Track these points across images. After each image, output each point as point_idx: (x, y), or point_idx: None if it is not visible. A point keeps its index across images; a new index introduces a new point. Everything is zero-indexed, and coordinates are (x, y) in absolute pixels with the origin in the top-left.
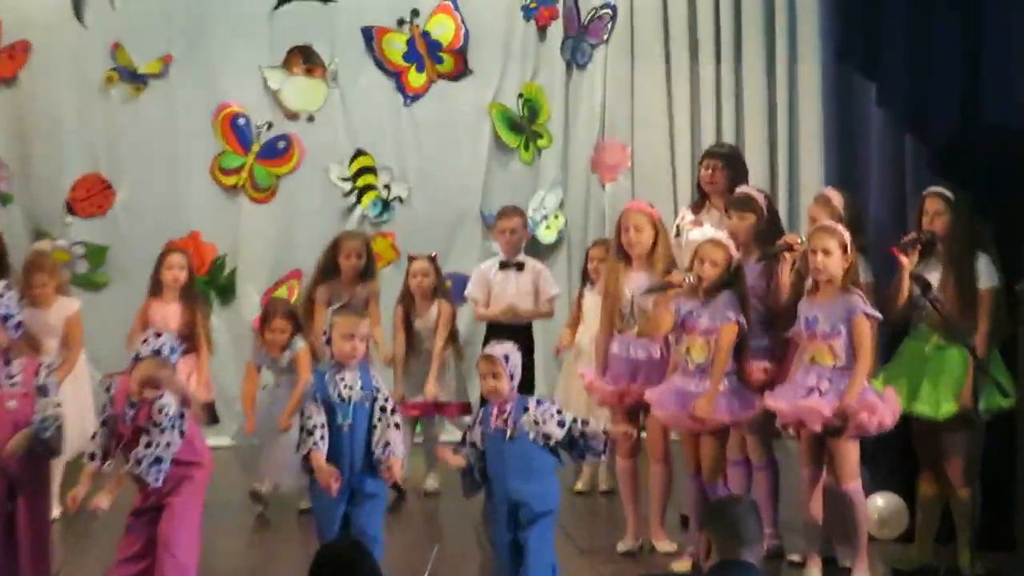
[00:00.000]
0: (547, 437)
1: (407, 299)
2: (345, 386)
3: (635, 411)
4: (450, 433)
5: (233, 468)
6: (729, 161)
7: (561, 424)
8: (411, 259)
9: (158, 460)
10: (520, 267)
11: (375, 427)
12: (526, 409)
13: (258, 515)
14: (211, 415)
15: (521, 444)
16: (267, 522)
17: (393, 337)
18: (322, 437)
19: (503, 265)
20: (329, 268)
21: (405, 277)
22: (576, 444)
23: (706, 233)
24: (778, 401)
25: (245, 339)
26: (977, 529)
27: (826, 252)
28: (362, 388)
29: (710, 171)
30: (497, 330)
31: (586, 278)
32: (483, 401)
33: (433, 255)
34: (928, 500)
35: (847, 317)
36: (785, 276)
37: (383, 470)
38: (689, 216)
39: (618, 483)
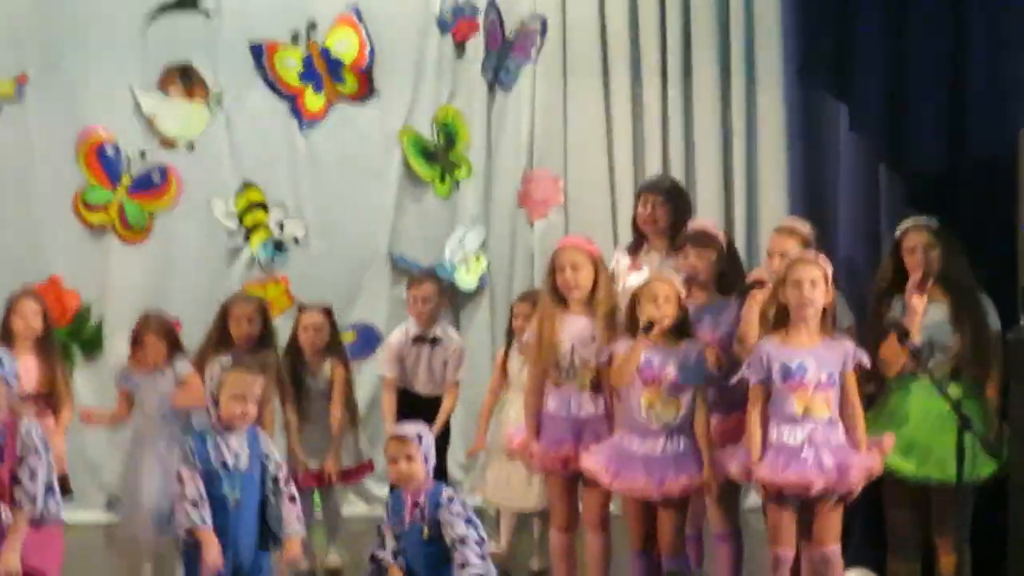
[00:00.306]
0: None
1: (295, 354)
2: (231, 453)
3: (576, 479)
4: (352, 504)
5: (100, 548)
6: (670, 196)
7: (452, 541)
8: (301, 309)
9: (50, 489)
10: (435, 342)
11: (268, 499)
12: (439, 504)
13: None
14: (63, 488)
15: (436, 546)
16: None
17: (281, 400)
18: (206, 511)
19: (417, 339)
20: (221, 337)
21: (294, 329)
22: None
23: (645, 278)
24: (798, 473)
25: (112, 404)
26: None
27: (813, 283)
28: (250, 456)
29: (649, 208)
30: (412, 399)
31: (511, 336)
32: (391, 487)
33: (327, 307)
34: None
35: (843, 365)
36: (755, 317)
37: (284, 553)
38: (625, 260)
39: (551, 561)
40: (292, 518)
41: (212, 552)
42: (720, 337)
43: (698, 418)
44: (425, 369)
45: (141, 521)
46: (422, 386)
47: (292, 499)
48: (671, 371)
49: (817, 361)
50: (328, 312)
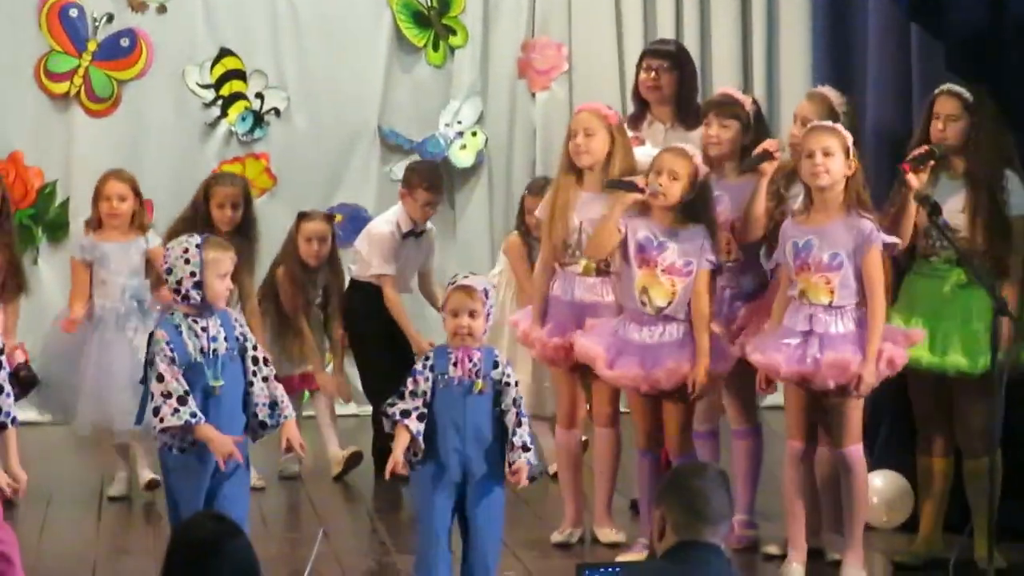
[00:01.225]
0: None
1: (294, 264)
2: (209, 338)
3: (580, 370)
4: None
5: (66, 447)
6: (677, 61)
7: (519, 420)
8: (302, 217)
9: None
10: (421, 234)
11: (252, 384)
12: (497, 364)
13: (111, 498)
14: (27, 379)
15: (486, 403)
16: (115, 509)
17: (292, 316)
18: (195, 406)
19: (408, 235)
20: (198, 218)
21: (292, 237)
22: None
23: (648, 153)
24: (768, 355)
25: None
26: (995, 513)
27: (826, 153)
28: (227, 338)
29: (652, 74)
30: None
31: (523, 224)
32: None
33: (328, 214)
34: (934, 478)
35: (856, 246)
36: (763, 196)
37: (282, 437)
38: (627, 133)
39: (557, 460)
40: (283, 398)
41: (222, 443)
42: (732, 220)
43: (696, 304)
44: (414, 265)
45: (108, 420)
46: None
47: (277, 379)
48: (671, 254)
49: (822, 239)
50: (330, 218)
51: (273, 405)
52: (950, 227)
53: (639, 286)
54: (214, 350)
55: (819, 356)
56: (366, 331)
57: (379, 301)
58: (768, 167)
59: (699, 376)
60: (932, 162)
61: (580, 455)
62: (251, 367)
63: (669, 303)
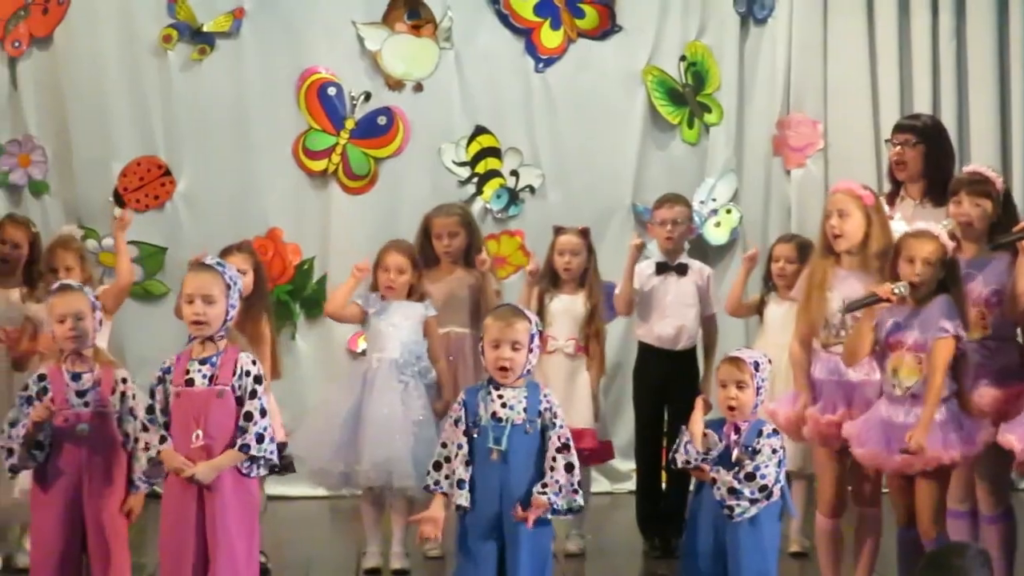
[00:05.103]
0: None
1: (547, 280)
2: (503, 404)
3: (846, 452)
4: (596, 482)
5: (323, 519)
6: (925, 136)
7: (763, 484)
8: (558, 231)
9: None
10: (682, 270)
11: (554, 462)
12: (760, 432)
13: (367, 571)
14: (284, 461)
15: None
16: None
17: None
18: (448, 477)
19: (660, 268)
20: (421, 253)
21: (548, 253)
22: None
23: (897, 229)
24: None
25: (338, 366)
26: None
27: None
28: (527, 410)
29: (899, 148)
30: (651, 352)
31: (769, 282)
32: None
33: (584, 228)
34: None
35: None
36: (1022, 273)
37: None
38: (885, 209)
39: (817, 545)
40: (557, 484)
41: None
42: (986, 295)
43: (930, 378)
44: (674, 298)
45: (386, 476)
46: (667, 326)
47: (569, 467)
48: (915, 332)
49: None
50: (585, 234)
51: (545, 485)
52: None
53: (890, 368)
54: (505, 417)
55: None
56: (640, 393)
57: (648, 362)
58: None
59: (916, 436)
60: None
61: (842, 542)
62: (549, 448)
63: (918, 381)
